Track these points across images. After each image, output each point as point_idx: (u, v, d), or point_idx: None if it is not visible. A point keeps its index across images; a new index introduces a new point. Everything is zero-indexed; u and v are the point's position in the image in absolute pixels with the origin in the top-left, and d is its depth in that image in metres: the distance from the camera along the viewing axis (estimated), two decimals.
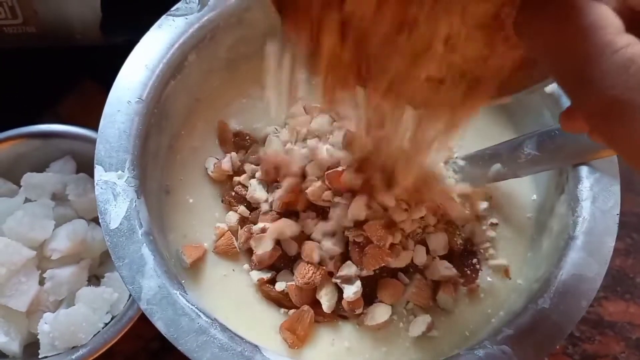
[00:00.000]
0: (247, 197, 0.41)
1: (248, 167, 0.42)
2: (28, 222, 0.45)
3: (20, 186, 0.49)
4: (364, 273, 0.39)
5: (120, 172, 0.36)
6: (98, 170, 0.36)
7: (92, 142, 0.49)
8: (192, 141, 0.44)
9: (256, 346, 0.33)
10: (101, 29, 0.50)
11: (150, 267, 0.33)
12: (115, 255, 0.34)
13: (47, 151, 0.50)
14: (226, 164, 0.42)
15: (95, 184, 0.36)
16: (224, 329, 0.33)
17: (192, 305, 0.33)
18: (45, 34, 0.51)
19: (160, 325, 0.32)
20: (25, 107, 0.57)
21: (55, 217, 0.47)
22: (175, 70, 0.41)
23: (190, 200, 0.42)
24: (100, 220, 0.35)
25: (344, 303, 0.38)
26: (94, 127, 0.57)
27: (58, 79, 0.58)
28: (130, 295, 0.45)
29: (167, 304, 0.33)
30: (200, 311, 0.33)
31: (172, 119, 0.42)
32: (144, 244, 0.34)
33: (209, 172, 0.43)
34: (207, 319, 0.33)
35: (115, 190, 0.35)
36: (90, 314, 0.43)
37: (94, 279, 0.48)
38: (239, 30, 0.44)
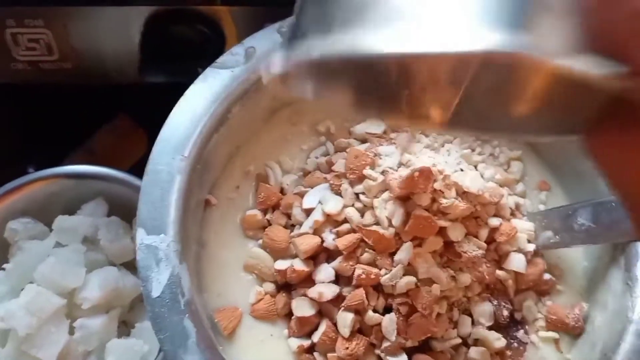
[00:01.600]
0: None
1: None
2: (60, 269, 0.44)
3: (50, 227, 0.48)
4: (409, 344, 0.37)
5: (162, 235, 0.35)
6: (140, 233, 0.35)
7: (125, 184, 0.48)
8: (228, 192, 0.43)
9: None
10: (139, 69, 0.49)
11: (193, 341, 0.32)
12: (156, 327, 0.32)
13: (79, 192, 0.49)
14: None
15: (137, 247, 0.34)
16: None
17: None
18: (81, 71, 0.50)
19: None
20: (59, 141, 0.56)
21: (86, 263, 0.45)
22: (219, 123, 0.39)
23: (225, 256, 0.41)
24: (142, 288, 0.33)
25: None
26: (128, 165, 0.57)
27: (92, 114, 0.57)
28: (161, 349, 0.44)
29: None
30: None
31: (212, 170, 0.41)
32: (186, 316, 0.33)
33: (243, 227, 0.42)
34: None
35: (157, 256, 0.34)
36: None
37: (123, 326, 0.47)
38: None
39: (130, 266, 0.47)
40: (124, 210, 0.48)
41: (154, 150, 0.37)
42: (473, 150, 0.43)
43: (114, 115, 0.60)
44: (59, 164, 0.51)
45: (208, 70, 0.40)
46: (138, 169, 0.52)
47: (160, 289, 0.33)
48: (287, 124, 0.45)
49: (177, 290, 0.33)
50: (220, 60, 0.40)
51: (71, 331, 0.44)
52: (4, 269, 0.46)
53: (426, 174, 0.36)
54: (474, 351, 0.38)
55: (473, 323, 0.39)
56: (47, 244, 0.46)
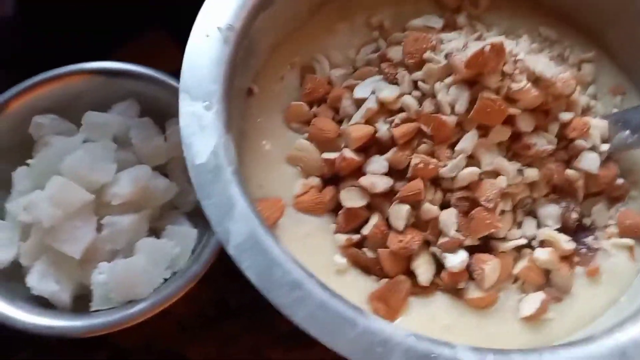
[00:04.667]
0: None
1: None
2: (89, 162, 0.41)
3: (78, 126, 0.45)
4: (467, 242, 0.34)
5: (207, 102, 0.32)
6: (184, 99, 0.32)
7: (159, 84, 0.45)
8: (272, 82, 0.39)
9: (359, 308, 0.28)
10: None
11: (240, 209, 0.29)
12: (201, 193, 0.29)
13: (109, 91, 0.46)
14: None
15: (179, 113, 0.31)
16: (323, 286, 0.28)
17: (286, 255, 0.28)
18: None
19: (250, 274, 0.27)
20: (87, 47, 0.53)
21: (116, 161, 0.43)
22: (266, 0, 0.36)
23: (267, 147, 0.38)
24: (184, 154, 0.30)
25: (444, 275, 0.34)
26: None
27: (124, 23, 0.54)
28: (193, 250, 0.41)
29: (257, 252, 0.28)
30: (295, 263, 0.28)
31: (256, 56, 0.38)
32: (233, 184, 0.30)
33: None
34: (302, 272, 0.28)
35: (202, 122, 0.31)
36: (150, 266, 0.39)
37: (151, 232, 0.44)
38: None
39: (161, 170, 0.45)
40: (156, 112, 0.45)
41: (199, 19, 0.34)
42: (541, 50, 0.40)
43: (145, 28, 0.57)
44: None
45: None
46: None
47: (205, 156, 0.30)
48: (337, 17, 0.41)
49: (222, 158, 0.30)
50: None
51: (99, 230, 0.41)
52: (27, 165, 0.43)
53: (498, 49, 0.33)
54: (540, 252, 0.34)
55: (538, 226, 0.36)
56: (75, 140, 0.43)
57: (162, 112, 0.45)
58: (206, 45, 0.33)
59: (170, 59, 0.55)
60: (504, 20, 0.42)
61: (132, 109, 0.46)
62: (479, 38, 0.38)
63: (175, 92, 0.43)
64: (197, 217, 0.45)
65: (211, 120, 0.31)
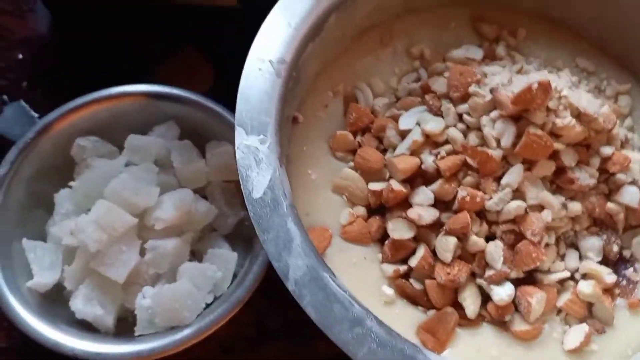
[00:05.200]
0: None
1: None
2: (132, 186, 0.41)
3: (119, 147, 0.45)
4: (513, 274, 0.35)
5: (262, 136, 0.32)
6: (239, 133, 0.32)
7: (198, 106, 0.46)
8: (316, 110, 0.40)
9: (416, 345, 0.29)
10: None
11: (298, 243, 0.30)
12: (259, 228, 0.30)
13: (149, 113, 0.46)
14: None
15: (236, 147, 0.32)
16: (380, 322, 0.29)
17: (344, 291, 0.29)
18: None
19: (310, 311, 0.28)
20: (122, 67, 0.53)
21: (158, 184, 0.43)
22: (315, 31, 0.37)
23: (313, 175, 0.38)
24: (242, 188, 0.31)
25: (491, 307, 0.34)
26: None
27: (158, 43, 0.55)
28: (234, 275, 0.42)
29: (317, 288, 0.29)
30: (354, 299, 0.29)
31: (301, 85, 0.39)
32: (290, 218, 0.30)
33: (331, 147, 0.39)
34: (361, 309, 0.29)
35: (257, 156, 0.32)
36: (194, 291, 0.40)
37: (191, 255, 0.44)
38: None
39: (200, 192, 0.45)
40: (195, 135, 0.46)
41: (251, 52, 0.35)
42: (579, 83, 0.41)
43: (180, 47, 0.57)
44: None
45: None
46: None
47: (262, 190, 0.31)
48: (378, 44, 0.42)
49: (278, 192, 0.31)
50: None
51: (142, 253, 0.41)
52: (70, 187, 0.44)
53: (545, 87, 0.33)
54: (583, 285, 0.35)
55: (580, 258, 0.36)
56: (117, 162, 0.44)
57: (200, 134, 0.46)
58: (259, 79, 0.34)
59: (204, 75, 0.57)
60: (542, 51, 0.43)
61: (172, 132, 0.46)
62: (520, 71, 0.39)
63: (213, 114, 0.45)
64: (235, 239, 0.46)
65: (266, 154, 0.32)
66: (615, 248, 0.36)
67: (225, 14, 0.52)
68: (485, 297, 0.35)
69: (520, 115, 0.35)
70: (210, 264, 0.42)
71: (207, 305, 0.40)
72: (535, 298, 0.34)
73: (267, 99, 0.33)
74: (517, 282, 0.35)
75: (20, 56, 0.54)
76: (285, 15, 0.36)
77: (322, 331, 0.28)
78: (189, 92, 0.46)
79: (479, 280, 0.35)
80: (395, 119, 0.39)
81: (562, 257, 0.36)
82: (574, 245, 0.37)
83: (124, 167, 0.43)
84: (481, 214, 0.36)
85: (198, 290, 0.40)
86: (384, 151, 0.39)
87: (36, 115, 0.53)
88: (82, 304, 0.40)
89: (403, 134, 0.38)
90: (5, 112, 0.52)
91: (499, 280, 0.34)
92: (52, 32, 0.55)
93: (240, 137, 0.32)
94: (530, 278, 0.36)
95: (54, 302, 0.41)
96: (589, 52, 0.43)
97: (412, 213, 0.35)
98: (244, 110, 0.33)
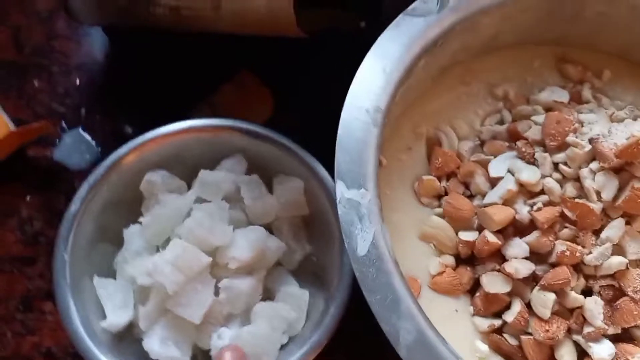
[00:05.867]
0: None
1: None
2: (207, 224, 0.40)
3: (185, 180, 0.45)
4: (610, 331, 0.34)
5: (363, 190, 0.31)
6: (340, 187, 0.31)
7: (267, 140, 0.45)
8: (398, 153, 0.39)
9: None
10: (295, 17, 0.45)
11: (406, 305, 0.29)
12: (366, 288, 0.29)
13: (216, 147, 0.45)
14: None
15: (337, 201, 0.31)
16: None
17: (455, 357, 0.28)
18: (229, 18, 0.47)
19: None
20: (180, 95, 0.53)
21: (230, 222, 0.42)
22: (407, 75, 0.36)
23: (398, 221, 0.37)
24: (346, 245, 0.30)
25: None
26: (251, 121, 0.53)
27: (214, 69, 0.54)
28: (307, 315, 0.41)
29: (429, 354, 0.28)
30: None
31: (386, 127, 0.38)
32: (396, 277, 0.29)
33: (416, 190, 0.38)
34: None
35: (359, 211, 0.31)
36: (272, 333, 0.39)
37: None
38: (468, 36, 0.39)
39: (266, 227, 0.44)
40: (262, 168, 0.45)
41: (348, 99, 0.34)
42: None
43: (236, 72, 0.56)
44: (183, 118, 0.48)
45: (400, 17, 0.36)
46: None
47: (366, 247, 0.30)
48: (459, 84, 0.41)
49: (382, 249, 0.30)
50: (412, 7, 0.36)
51: (216, 292, 0.41)
52: (139, 222, 0.43)
53: None
54: None
55: None
56: (187, 199, 0.43)
57: (266, 168, 0.45)
58: (356, 129, 0.33)
59: (263, 101, 0.55)
60: (628, 94, 0.41)
61: (241, 166, 0.45)
62: (615, 120, 0.37)
63: (282, 147, 0.44)
64: (301, 274, 0.45)
65: (367, 209, 0.31)
66: None
67: (281, 40, 0.51)
68: (580, 353, 0.34)
69: (622, 168, 0.34)
70: (283, 303, 0.41)
71: (282, 347, 0.40)
72: (637, 357, 0.33)
73: (366, 150, 0.33)
74: (613, 339, 0.34)
75: (78, 82, 0.53)
76: (380, 61, 0.35)
77: None
78: (258, 126, 0.45)
79: (576, 337, 0.34)
80: (483, 164, 0.38)
81: None
82: None
83: (193, 203, 0.43)
84: (577, 267, 0.35)
85: (274, 332, 0.39)
86: (470, 197, 0.38)
87: (94, 143, 0.52)
88: (157, 345, 0.39)
89: (493, 181, 0.37)
90: (64, 140, 0.51)
91: (598, 337, 0.33)
92: (108, 59, 0.54)
93: (341, 191, 0.31)
94: (626, 334, 0.35)
95: (122, 340, 0.41)
96: None
97: (509, 267, 0.34)
98: (344, 162, 0.32)
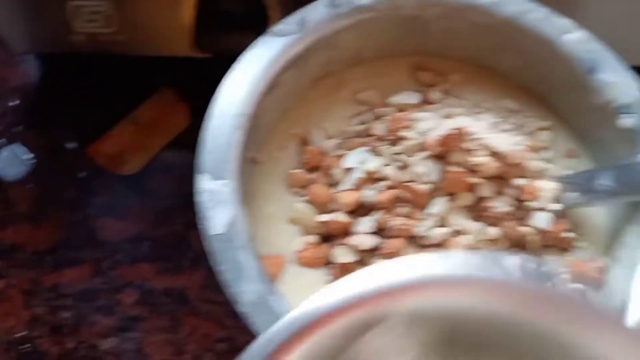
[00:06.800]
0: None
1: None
2: None
3: None
4: None
5: (226, 181, 0.39)
6: (203, 178, 0.38)
7: None
8: (274, 151, 0.46)
9: None
10: (196, 43, 0.53)
11: (249, 272, 0.36)
12: (217, 261, 0.36)
13: None
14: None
15: (199, 191, 0.38)
16: None
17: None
18: (136, 43, 0.55)
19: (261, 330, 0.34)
20: (106, 111, 0.60)
21: None
22: (272, 86, 0.43)
23: (270, 209, 0.44)
24: (201, 227, 0.37)
25: None
26: (170, 136, 0.61)
27: (139, 86, 0.61)
28: None
29: (267, 310, 0.35)
30: None
31: (261, 131, 0.45)
32: (244, 251, 0.37)
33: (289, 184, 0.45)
34: None
35: (219, 198, 0.38)
36: None
37: None
38: (331, 52, 0.47)
39: None
40: None
41: (213, 106, 0.41)
42: (504, 120, 0.47)
43: (156, 89, 0.64)
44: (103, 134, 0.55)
45: (263, 37, 0.44)
46: (180, 140, 0.57)
47: (221, 228, 0.37)
48: (331, 91, 0.49)
49: (237, 229, 0.37)
50: (276, 28, 0.44)
51: None
52: None
53: (461, 132, 0.40)
54: None
55: None
56: None
57: None
58: (221, 132, 0.40)
59: (180, 114, 0.63)
60: (474, 94, 0.49)
61: None
62: (448, 116, 0.45)
63: None
64: None
65: (228, 197, 0.38)
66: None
67: (198, 58, 0.58)
68: None
69: (444, 155, 0.41)
70: None
71: None
72: None
73: (229, 149, 0.40)
74: None
75: (16, 102, 0.61)
76: (245, 74, 0.42)
77: None
78: None
79: None
80: (341, 158, 0.45)
81: None
82: None
83: None
84: (413, 239, 0.42)
85: None
86: (333, 185, 0.45)
87: (29, 157, 0.59)
88: None
89: (348, 172, 0.44)
90: (2, 155, 0.59)
91: None
92: (42, 80, 0.62)
93: (205, 182, 0.38)
94: None
95: None
96: (516, 94, 0.50)
97: (354, 240, 0.41)
98: (208, 159, 0.39)
